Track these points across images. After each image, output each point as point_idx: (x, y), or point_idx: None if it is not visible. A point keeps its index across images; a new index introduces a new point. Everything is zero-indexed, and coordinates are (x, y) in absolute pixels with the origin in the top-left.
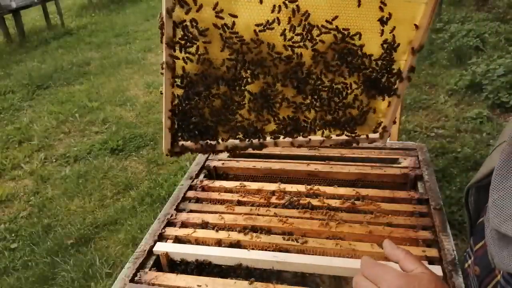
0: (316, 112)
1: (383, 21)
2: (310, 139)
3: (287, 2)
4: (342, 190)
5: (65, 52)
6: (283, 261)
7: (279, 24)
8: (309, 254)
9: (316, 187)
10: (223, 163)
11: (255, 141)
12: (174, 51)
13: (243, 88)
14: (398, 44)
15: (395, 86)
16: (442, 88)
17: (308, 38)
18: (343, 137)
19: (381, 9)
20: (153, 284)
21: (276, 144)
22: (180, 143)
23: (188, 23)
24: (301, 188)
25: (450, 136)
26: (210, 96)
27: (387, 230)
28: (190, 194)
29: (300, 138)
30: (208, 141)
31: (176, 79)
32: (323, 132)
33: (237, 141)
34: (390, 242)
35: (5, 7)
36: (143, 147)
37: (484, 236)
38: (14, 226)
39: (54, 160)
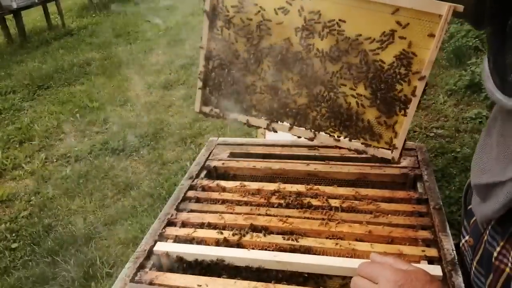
0: (324, 111)
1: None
2: (315, 133)
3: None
4: (341, 190)
5: (65, 52)
6: (283, 261)
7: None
8: (309, 254)
9: (316, 187)
10: (223, 163)
11: (269, 122)
12: (212, 23)
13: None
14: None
15: (407, 101)
16: (442, 88)
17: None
18: (352, 142)
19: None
20: (154, 284)
21: (289, 130)
22: (209, 107)
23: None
24: (301, 188)
25: (450, 136)
26: (232, 68)
27: (386, 230)
28: (191, 194)
29: (309, 132)
30: (229, 112)
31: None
32: (332, 132)
33: (253, 118)
34: (376, 253)
35: (6, 7)
36: (144, 147)
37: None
38: (14, 226)
39: (55, 160)
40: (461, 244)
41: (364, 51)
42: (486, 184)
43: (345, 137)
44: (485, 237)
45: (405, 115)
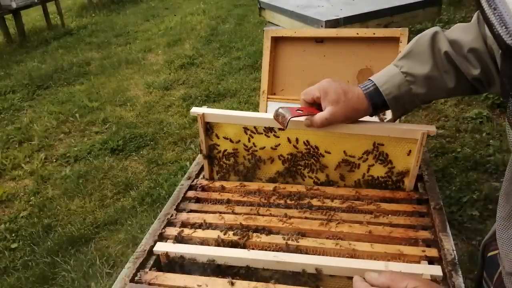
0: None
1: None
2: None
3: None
4: (342, 190)
5: (65, 52)
6: (283, 261)
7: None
8: (309, 254)
9: (316, 187)
10: None
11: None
12: (211, 161)
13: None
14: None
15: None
16: None
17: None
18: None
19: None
20: (153, 284)
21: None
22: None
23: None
24: (301, 188)
25: (450, 136)
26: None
27: (387, 230)
28: (190, 194)
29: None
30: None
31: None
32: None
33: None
34: (371, 274)
35: (5, 7)
36: (143, 147)
37: (497, 265)
38: (14, 226)
39: (54, 160)
40: None
41: (352, 170)
42: None
43: None
44: None
45: None
